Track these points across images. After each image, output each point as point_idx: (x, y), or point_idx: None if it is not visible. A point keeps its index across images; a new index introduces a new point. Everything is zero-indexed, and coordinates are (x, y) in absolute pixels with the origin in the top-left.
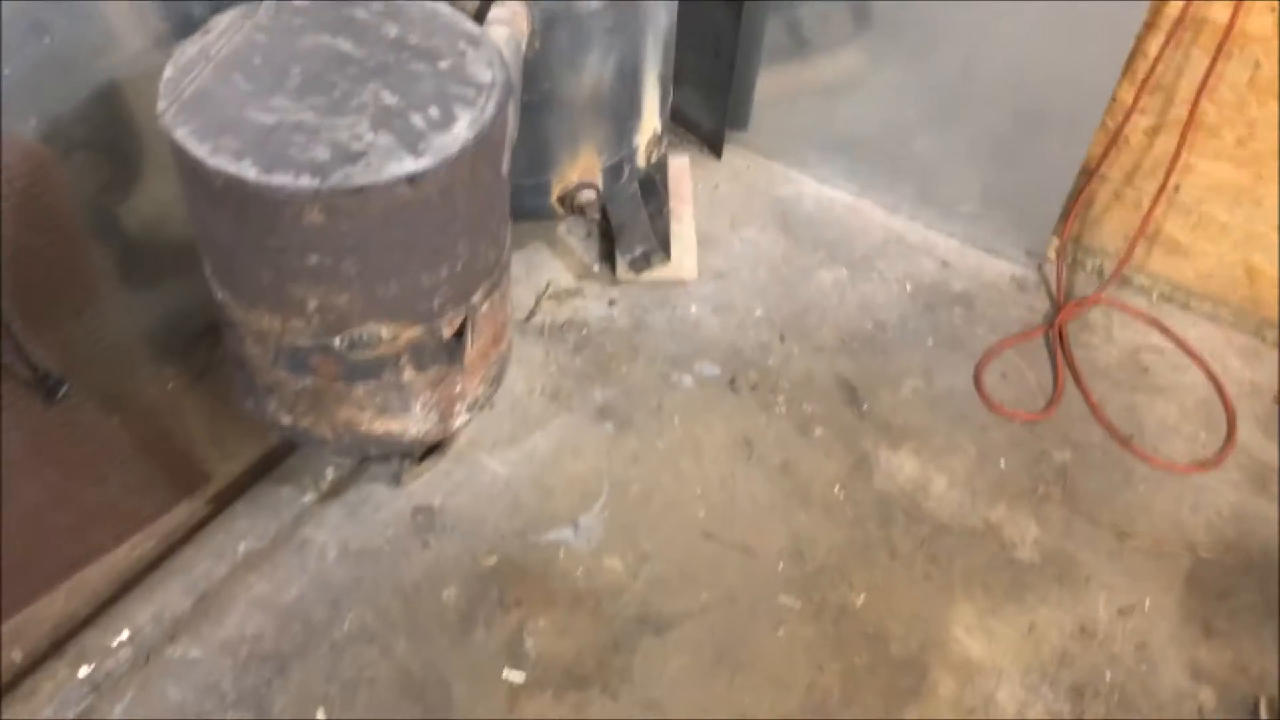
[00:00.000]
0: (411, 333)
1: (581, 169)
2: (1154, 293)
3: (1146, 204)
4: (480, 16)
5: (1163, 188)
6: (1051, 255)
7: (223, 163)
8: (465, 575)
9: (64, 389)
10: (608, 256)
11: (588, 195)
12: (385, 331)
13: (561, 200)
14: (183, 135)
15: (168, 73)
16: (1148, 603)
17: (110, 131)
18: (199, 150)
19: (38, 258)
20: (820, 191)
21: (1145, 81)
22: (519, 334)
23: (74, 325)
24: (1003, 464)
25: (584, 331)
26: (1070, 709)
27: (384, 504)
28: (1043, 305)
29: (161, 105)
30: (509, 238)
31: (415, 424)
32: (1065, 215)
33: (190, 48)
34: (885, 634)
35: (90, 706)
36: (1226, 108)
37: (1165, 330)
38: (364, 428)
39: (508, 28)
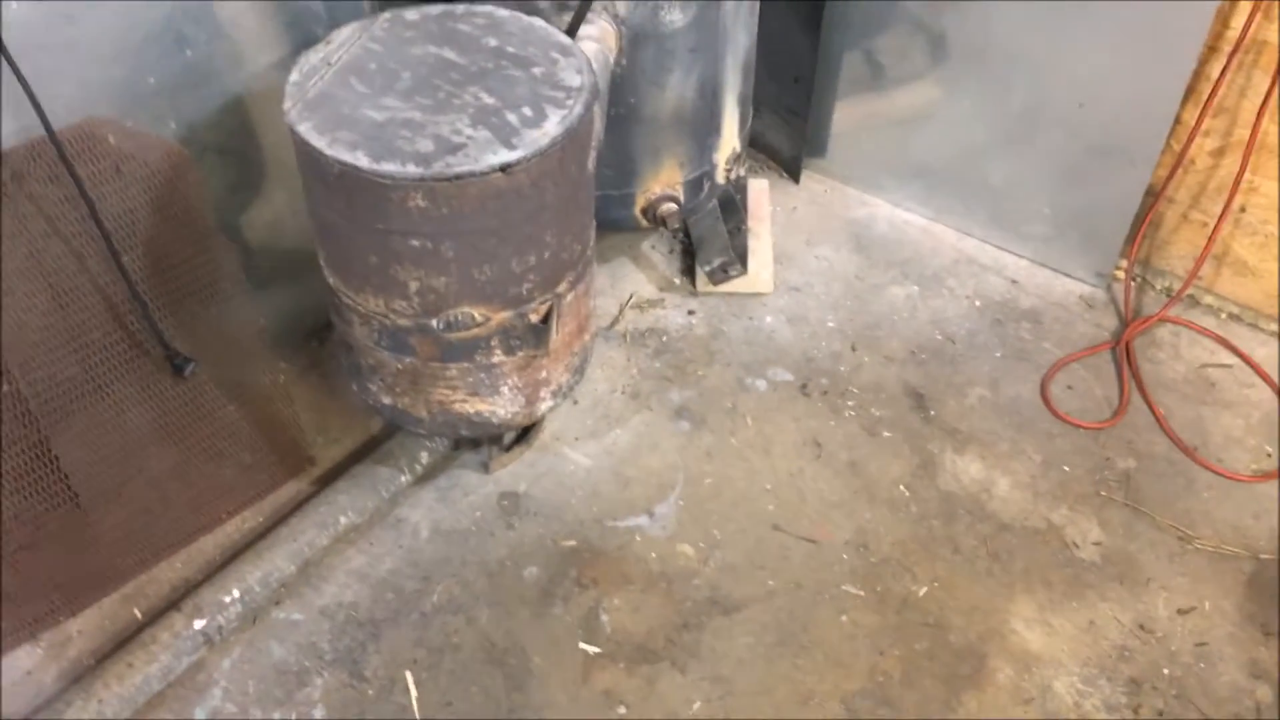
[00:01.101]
0: (502, 316)
1: (664, 181)
2: (1222, 312)
3: (1213, 225)
4: (572, 33)
5: (1227, 208)
6: (1120, 275)
7: (339, 153)
8: (546, 555)
9: (191, 366)
10: (688, 271)
11: (669, 207)
12: (478, 314)
13: (645, 211)
14: (305, 130)
15: (293, 77)
16: (1208, 604)
17: (238, 139)
18: (319, 142)
19: (173, 247)
20: (894, 214)
21: (1208, 104)
22: (603, 339)
23: (201, 312)
24: (1066, 469)
25: (664, 338)
26: (1127, 701)
27: (473, 489)
28: (1111, 323)
29: (287, 104)
30: (593, 236)
31: (503, 406)
32: (1133, 236)
33: (314, 56)
34: (946, 624)
35: (203, 659)
36: None
37: (1232, 348)
38: (456, 408)
39: (597, 43)
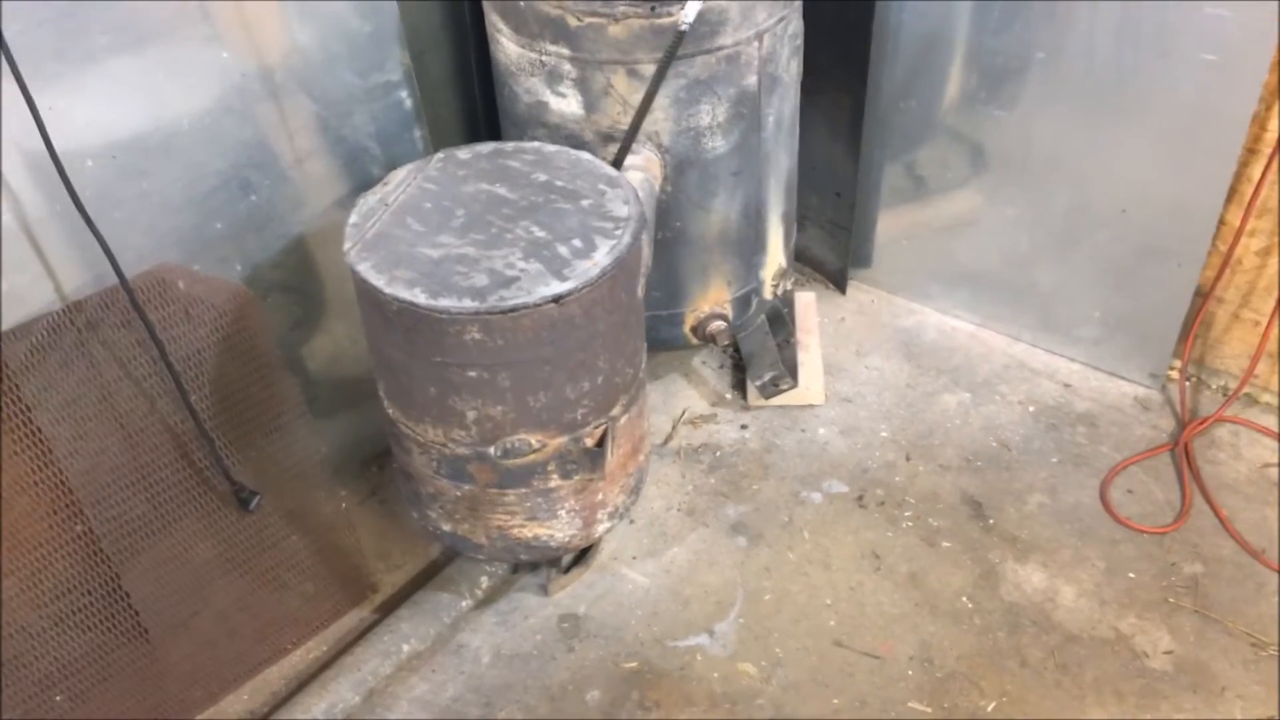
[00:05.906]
0: (558, 442)
1: (712, 300)
2: None
3: (1265, 323)
4: (618, 164)
5: (1278, 306)
6: (1174, 376)
7: (397, 290)
8: (608, 678)
9: (256, 500)
10: (739, 385)
11: (718, 324)
12: (535, 440)
13: (694, 330)
14: (364, 269)
15: (352, 218)
16: None
17: (299, 276)
18: (378, 281)
19: (239, 384)
20: (942, 322)
21: (1251, 205)
22: (657, 456)
23: (264, 446)
24: (1132, 575)
25: (718, 453)
26: None
27: (533, 612)
28: (1168, 424)
29: (347, 245)
30: (644, 358)
31: (561, 529)
32: (1185, 336)
33: (371, 197)
34: None
35: None
36: None
37: None
38: (515, 533)
39: (642, 172)
